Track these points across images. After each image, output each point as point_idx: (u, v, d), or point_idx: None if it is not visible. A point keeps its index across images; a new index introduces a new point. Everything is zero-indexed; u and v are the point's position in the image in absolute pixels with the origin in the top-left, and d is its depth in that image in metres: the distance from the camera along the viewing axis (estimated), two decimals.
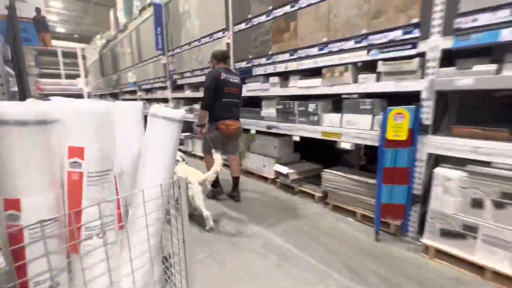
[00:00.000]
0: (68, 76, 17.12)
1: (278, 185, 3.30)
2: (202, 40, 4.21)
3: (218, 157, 2.29)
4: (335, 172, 2.57)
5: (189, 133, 5.30)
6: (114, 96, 10.24)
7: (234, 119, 2.76)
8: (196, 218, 2.51)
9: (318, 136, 2.61)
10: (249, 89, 3.48)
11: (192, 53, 4.55)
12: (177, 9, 4.83)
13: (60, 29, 17.05)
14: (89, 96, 15.70)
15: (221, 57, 2.78)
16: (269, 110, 3.22)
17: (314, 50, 2.55)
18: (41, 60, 15.15)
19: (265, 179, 3.51)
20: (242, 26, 3.39)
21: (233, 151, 2.90)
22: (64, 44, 16.87)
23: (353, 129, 2.33)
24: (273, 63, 3.03)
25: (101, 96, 12.71)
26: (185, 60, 4.77)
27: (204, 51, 4.20)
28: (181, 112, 0.97)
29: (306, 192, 2.95)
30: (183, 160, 2.67)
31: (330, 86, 2.46)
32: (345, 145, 2.41)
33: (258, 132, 3.47)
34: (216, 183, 2.91)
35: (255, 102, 3.63)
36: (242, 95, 3.61)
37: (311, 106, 2.67)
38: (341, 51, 2.33)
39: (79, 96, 15.50)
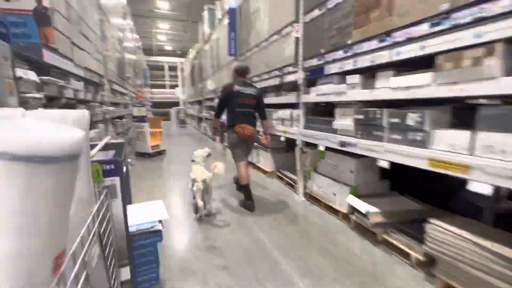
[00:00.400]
0: (171, 87, 20.32)
1: (352, 224, 2.38)
2: (269, 39, 3.70)
3: (220, 164, 2.63)
4: (454, 230, 1.52)
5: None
6: (200, 103, 11.11)
7: (250, 125, 2.86)
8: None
9: (423, 165, 1.62)
10: (319, 93, 2.70)
11: (260, 56, 4.12)
12: (249, 9, 4.51)
13: (168, 47, 20.16)
14: (184, 103, 17.93)
15: (241, 72, 3.01)
16: (344, 121, 2.37)
17: (422, 28, 1.60)
18: (151, 74, 18.29)
19: (334, 211, 2.64)
20: (315, 13, 2.67)
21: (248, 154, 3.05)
22: (170, 59, 19.97)
23: (498, 161, 1.27)
24: (354, 55, 2.18)
25: (192, 103, 14.16)
26: (253, 63, 4.37)
27: (272, 51, 3.68)
28: (66, 139, 0.40)
29: (396, 247, 1.94)
30: (208, 155, 2.88)
31: (451, 84, 1.46)
32: (479, 187, 1.36)
33: (328, 149, 2.65)
34: (249, 196, 2.85)
35: (326, 111, 2.83)
36: (310, 101, 2.91)
37: (413, 117, 1.70)
38: (479, 21, 1.31)
39: (177, 103, 17.94)
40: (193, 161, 2.81)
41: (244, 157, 2.93)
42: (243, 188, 2.87)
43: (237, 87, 2.85)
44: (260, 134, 3.34)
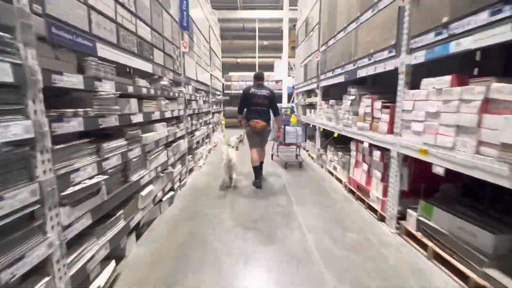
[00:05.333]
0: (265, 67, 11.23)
1: None
2: None
3: (231, 151, 3.54)
4: None
5: None
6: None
7: (262, 120, 3.55)
8: None
9: None
10: None
11: None
12: None
13: None
14: (296, 96, 7.49)
15: (256, 77, 3.75)
16: None
17: None
18: (230, 47, 11.37)
19: None
20: None
21: (262, 145, 3.72)
22: (264, 14, 10.51)
23: None
24: None
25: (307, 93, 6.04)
26: None
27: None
28: None
29: None
30: (237, 148, 3.74)
31: None
32: None
33: None
34: (257, 175, 3.66)
35: None
36: None
37: None
38: None
39: (278, 96, 6.46)
40: (228, 145, 3.62)
41: (257, 145, 3.68)
42: (253, 168, 3.66)
43: (252, 90, 3.58)
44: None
